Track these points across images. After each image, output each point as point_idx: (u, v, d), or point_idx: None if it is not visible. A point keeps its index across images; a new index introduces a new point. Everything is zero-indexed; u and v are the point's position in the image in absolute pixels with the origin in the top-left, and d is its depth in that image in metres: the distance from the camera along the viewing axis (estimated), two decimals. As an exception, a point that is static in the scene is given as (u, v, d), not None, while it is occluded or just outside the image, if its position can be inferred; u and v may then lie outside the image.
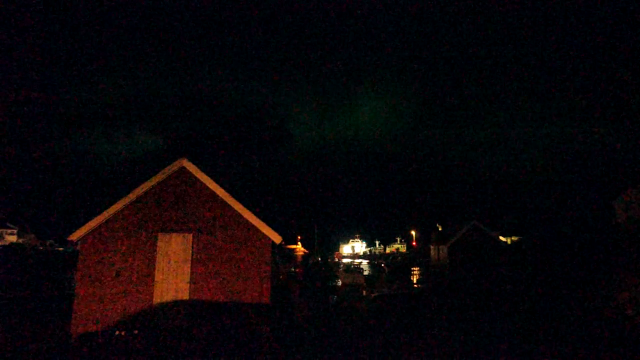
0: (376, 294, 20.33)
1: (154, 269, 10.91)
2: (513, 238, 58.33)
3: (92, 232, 10.98)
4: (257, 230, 11.17)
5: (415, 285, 26.51)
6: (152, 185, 11.31)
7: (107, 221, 11.07)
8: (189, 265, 10.97)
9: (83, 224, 10.94)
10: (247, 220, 11.21)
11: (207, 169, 11.71)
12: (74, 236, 10.91)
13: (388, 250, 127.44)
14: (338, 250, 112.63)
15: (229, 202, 11.28)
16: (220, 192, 11.32)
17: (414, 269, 42.48)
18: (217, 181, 11.48)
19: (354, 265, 47.20)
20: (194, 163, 11.52)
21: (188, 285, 10.86)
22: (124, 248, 10.97)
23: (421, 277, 33.17)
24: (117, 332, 10.35)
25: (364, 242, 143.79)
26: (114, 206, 11.07)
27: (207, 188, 11.38)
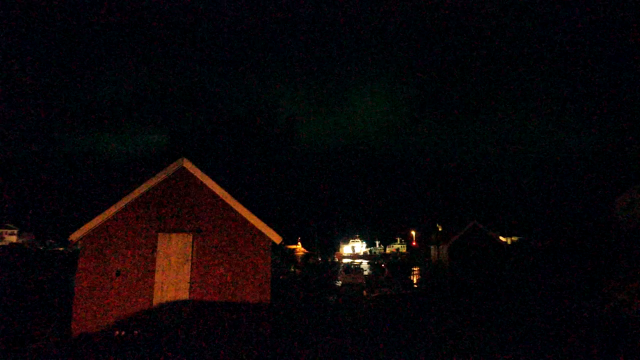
0: (376, 294, 20.33)
1: (154, 269, 10.90)
2: (513, 238, 58.29)
3: (92, 232, 10.97)
4: (257, 230, 11.17)
5: (416, 285, 26.50)
6: (152, 185, 11.30)
7: (107, 221, 11.06)
8: (189, 265, 10.96)
9: (83, 224, 10.93)
10: (247, 221, 11.20)
11: (207, 169, 11.71)
12: (74, 236, 10.90)
13: (388, 250, 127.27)
14: (338, 250, 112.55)
15: (229, 202, 11.27)
16: (220, 192, 11.31)
17: (414, 269, 42.47)
18: (217, 181, 11.47)
19: (354, 265, 47.17)
20: (194, 163, 11.52)
21: (188, 285, 10.85)
22: (124, 248, 10.97)
23: (421, 277, 33.15)
24: (117, 332, 10.34)
25: (364, 242, 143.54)
26: (114, 206, 11.06)
27: (207, 188, 11.37)
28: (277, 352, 9.26)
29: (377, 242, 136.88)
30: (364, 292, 21.63)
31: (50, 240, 72.53)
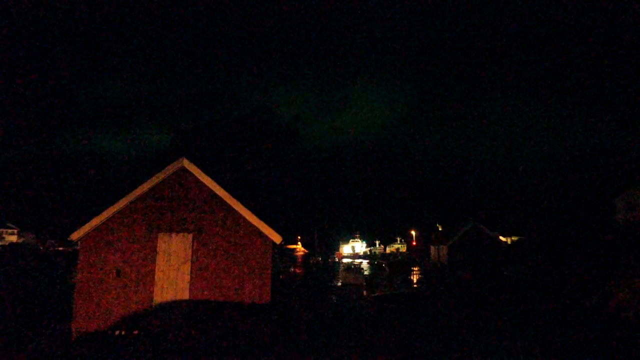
0: (376, 294, 20.32)
1: (154, 269, 10.90)
2: (513, 238, 58.27)
3: (93, 231, 10.97)
4: (257, 230, 11.16)
5: (415, 285, 26.50)
6: (152, 185, 11.30)
7: (108, 221, 11.06)
8: (189, 265, 10.96)
9: (83, 223, 10.93)
10: (247, 220, 11.20)
11: (207, 169, 11.70)
12: (74, 236, 10.90)
13: (388, 250, 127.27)
14: (338, 250, 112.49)
15: (229, 202, 11.27)
16: (220, 192, 11.31)
17: (414, 268, 42.47)
18: (217, 181, 11.46)
19: (354, 265, 47.17)
20: (194, 163, 11.51)
21: (188, 285, 10.85)
22: (124, 248, 10.97)
23: (421, 277, 33.16)
24: (117, 332, 10.35)
25: (364, 242, 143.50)
26: (114, 206, 11.05)
27: (207, 188, 11.37)
28: (277, 353, 9.25)
29: (377, 242, 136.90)
30: (364, 292, 21.62)
31: (51, 240, 72.55)
